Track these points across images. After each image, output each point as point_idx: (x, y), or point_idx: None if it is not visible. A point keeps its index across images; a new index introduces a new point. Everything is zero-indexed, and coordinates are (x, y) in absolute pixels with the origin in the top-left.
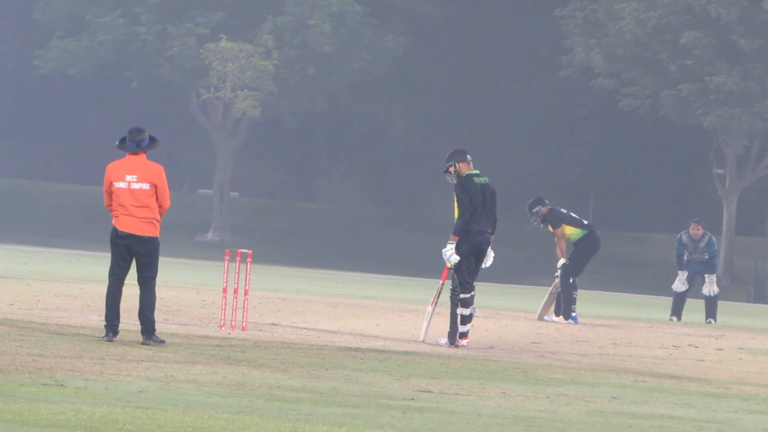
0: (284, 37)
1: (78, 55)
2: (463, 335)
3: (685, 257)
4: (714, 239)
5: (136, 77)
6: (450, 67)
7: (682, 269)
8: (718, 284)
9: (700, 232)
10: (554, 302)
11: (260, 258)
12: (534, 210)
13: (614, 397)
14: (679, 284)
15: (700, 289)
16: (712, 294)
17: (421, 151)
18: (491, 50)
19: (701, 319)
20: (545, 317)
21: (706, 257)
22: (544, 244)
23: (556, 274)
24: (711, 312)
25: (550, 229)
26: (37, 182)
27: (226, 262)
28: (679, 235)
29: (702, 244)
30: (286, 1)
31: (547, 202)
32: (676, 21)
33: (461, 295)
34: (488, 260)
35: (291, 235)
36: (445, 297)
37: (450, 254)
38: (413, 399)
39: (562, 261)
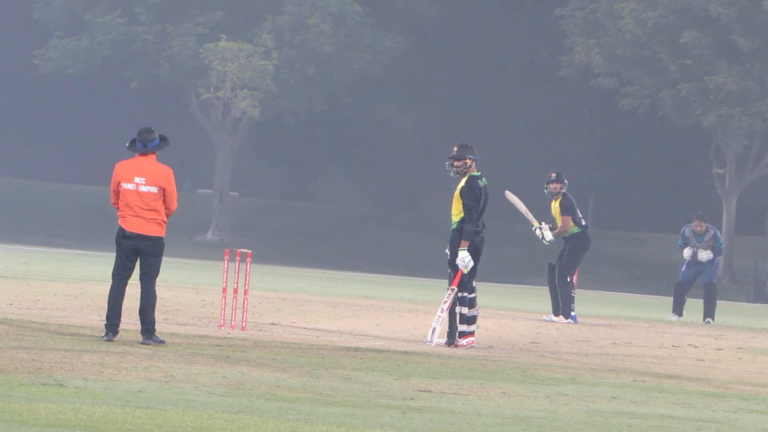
0: (284, 36)
1: (77, 54)
2: (463, 334)
3: (689, 252)
4: (719, 234)
5: (135, 77)
6: (450, 67)
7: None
8: (718, 284)
9: (703, 227)
10: (552, 302)
11: (260, 258)
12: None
13: (614, 397)
14: (689, 252)
15: (701, 289)
16: (703, 259)
17: (421, 151)
18: (491, 50)
19: (700, 319)
20: (544, 317)
21: (710, 255)
22: (543, 243)
23: (537, 228)
24: (709, 312)
25: (557, 211)
26: (37, 182)
27: (226, 261)
28: (682, 229)
29: (707, 238)
30: (286, 1)
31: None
32: (675, 21)
33: (459, 294)
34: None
35: (291, 235)
36: (443, 297)
37: (468, 261)
38: (413, 399)
39: (549, 235)
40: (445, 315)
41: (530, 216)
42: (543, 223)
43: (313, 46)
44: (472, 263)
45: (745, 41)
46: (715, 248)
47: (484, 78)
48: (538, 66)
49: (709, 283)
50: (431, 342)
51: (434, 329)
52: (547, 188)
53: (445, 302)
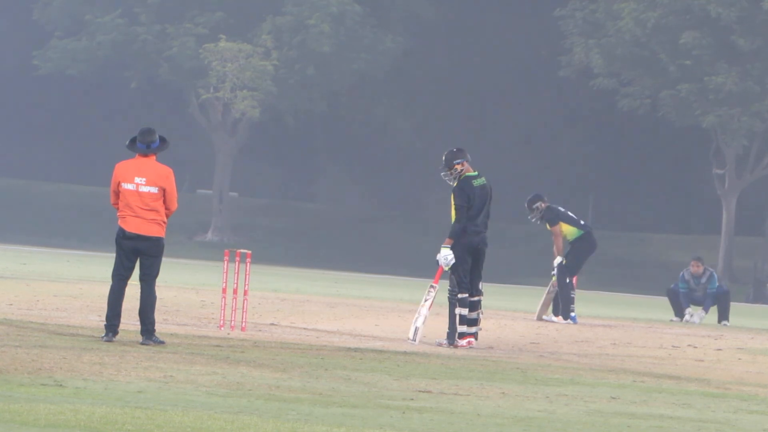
0: (283, 37)
1: (77, 55)
2: (463, 335)
3: (688, 318)
4: (715, 274)
5: (135, 77)
6: (450, 67)
7: (686, 306)
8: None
9: (701, 269)
10: (552, 302)
11: (260, 258)
12: (534, 206)
13: (613, 398)
14: (688, 316)
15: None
16: (697, 321)
17: (421, 151)
18: (491, 50)
19: (707, 319)
20: (544, 317)
21: (703, 314)
22: (542, 243)
23: (553, 273)
24: (724, 314)
25: (548, 226)
26: (37, 182)
27: (226, 262)
28: (681, 273)
29: (704, 280)
30: (286, 1)
31: (545, 198)
32: (675, 21)
33: (459, 295)
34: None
35: (291, 235)
36: (444, 297)
37: (450, 258)
38: (412, 399)
39: (558, 259)
40: (427, 314)
41: (552, 287)
42: (553, 264)
43: (312, 47)
44: (453, 261)
45: (744, 41)
46: (708, 292)
47: (483, 78)
48: (538, 66)
49: (723, 291)
50: (414, 341)
51: (417, 329)
52: (534, 217)
53: (426, 300)
